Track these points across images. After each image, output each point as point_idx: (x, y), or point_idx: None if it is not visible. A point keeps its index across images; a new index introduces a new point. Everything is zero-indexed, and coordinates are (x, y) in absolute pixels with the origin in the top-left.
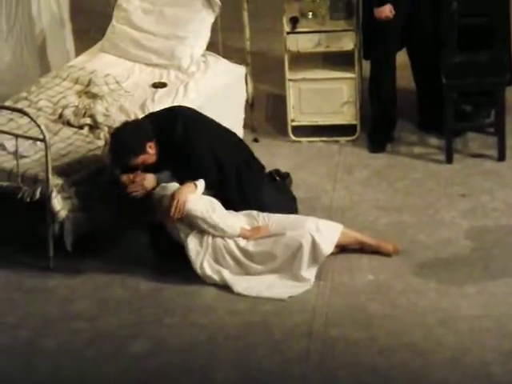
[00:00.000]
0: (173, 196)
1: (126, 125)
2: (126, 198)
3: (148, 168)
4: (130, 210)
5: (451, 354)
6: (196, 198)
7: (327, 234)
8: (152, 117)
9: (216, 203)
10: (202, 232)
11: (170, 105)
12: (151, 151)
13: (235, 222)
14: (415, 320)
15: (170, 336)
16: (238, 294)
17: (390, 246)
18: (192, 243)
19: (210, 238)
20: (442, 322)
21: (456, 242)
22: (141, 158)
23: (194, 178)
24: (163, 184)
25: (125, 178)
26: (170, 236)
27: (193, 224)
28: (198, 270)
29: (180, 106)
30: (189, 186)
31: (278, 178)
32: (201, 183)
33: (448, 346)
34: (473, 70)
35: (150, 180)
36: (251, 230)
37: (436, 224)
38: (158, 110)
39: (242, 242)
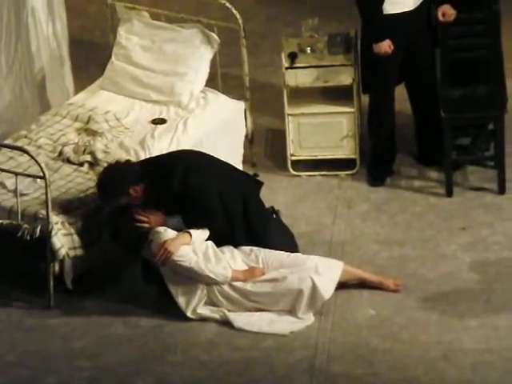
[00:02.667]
0: (163, 244)
1: (114, 166)
2: (124, 228)
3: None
4: (123, 245)
5: None
6: (187, 249)
7: (328, 275)
8: (148, 162)
9: (211, 252)
10: (194, 282)
11: (170, 141)
12: (135, 194)
13: (226, 269)
14: (417, 354)
15: (172, 373)
16: (239, 330)
17: (391, 283)
18: (183, 299)
19: (205, 289)
20: (445, 356)
21: (457, 276)
22: (123, 200)
23: (203, 225)
24: (158, 229)
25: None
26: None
27: (178, 272)
28: (191, 316)
29: (180, 152)
30: (184, 236)
31: (274, 215)
32: (196, 233)
33: (450, 381)
34: (471, 103)
35: (156, 218)
36: (245, 273)
37: (437, 257)
38: (158, 155)
39: (239, 284)
